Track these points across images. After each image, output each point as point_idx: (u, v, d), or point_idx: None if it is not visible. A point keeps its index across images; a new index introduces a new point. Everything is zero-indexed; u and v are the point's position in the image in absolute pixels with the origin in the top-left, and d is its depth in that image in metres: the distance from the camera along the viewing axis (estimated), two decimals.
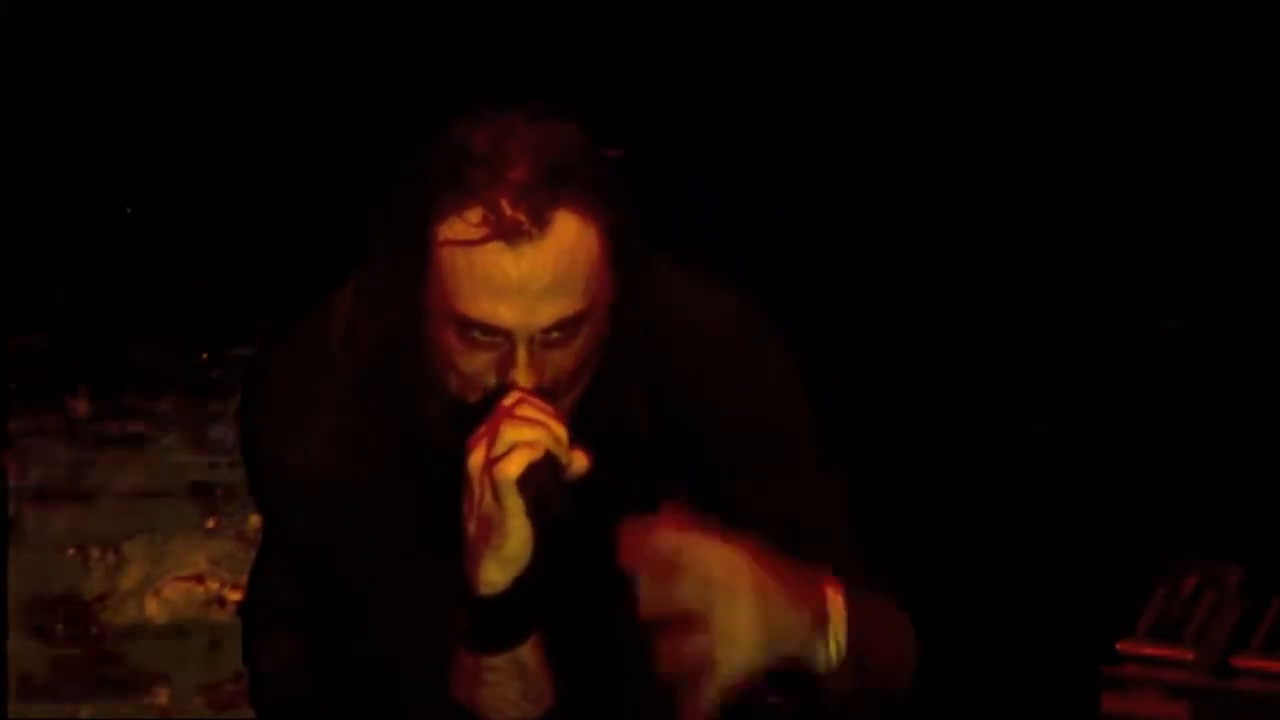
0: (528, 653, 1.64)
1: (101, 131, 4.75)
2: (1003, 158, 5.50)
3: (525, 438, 1.58)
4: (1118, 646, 2.94)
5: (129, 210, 4.76)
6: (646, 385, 1.73)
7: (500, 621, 1.63)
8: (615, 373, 1.69)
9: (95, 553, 3.07)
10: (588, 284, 1.61)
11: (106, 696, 2.52)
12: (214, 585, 3.15)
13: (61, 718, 2.95)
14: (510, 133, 1.61)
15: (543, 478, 1.59)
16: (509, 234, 1.57)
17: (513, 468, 1.58)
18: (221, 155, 4.41)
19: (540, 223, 1.57)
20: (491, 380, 1.62)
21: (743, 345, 1.76)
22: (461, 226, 1.58)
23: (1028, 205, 5.35)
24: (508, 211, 1.57)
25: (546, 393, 1.62)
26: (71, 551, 3.19)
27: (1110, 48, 5.26)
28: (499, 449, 1.58)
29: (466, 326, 1.61)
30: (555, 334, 1.61)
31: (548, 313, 1.60)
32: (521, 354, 1.61)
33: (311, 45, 4.92)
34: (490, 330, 1.60)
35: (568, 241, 1.59)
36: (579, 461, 1.60)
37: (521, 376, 1.61)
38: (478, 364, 1.62)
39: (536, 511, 1.59)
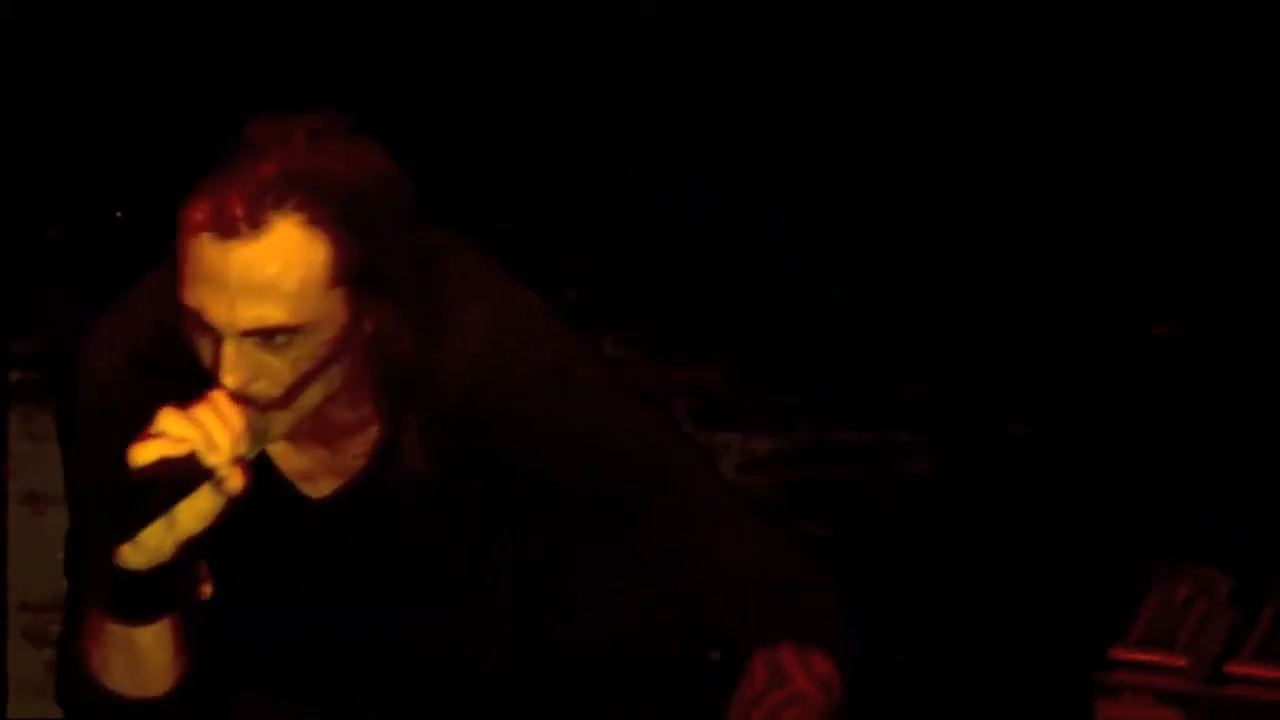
0: (148, 635, 1.64)
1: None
2: (997, 157, 5.55)
3: (175, 432, 1.58)
4: (1109, 653, 2.96)
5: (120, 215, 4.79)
6: (433, 423, 1.69)
7: (128, 596, 1.63)
8: (388, 402, 1.68)
9: None
10: (302, 299, 1.60)
11: None
12: None
13: None
14: (285, 135, 1.61)
15: (174, 477, 1.58)
16: (222, 227, 1.57)
17: (141, 456, 1.58)
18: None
19: (255, 224, 1.57)
20: (212, 365, 1.63)
21: (561, 400, 1.73)
22: (191, 212, 1.59)
23: (1026, 205, 5.38)
24: (230, 207, 1.57)
25: (256, 397, 1.62)
26: None
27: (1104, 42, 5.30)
28: (150, 432, 1.59)
29: (189, 314, 1.61)
30: (257, 339, 1.60)
31: (248, 315, 1.59)
32: (227, 351, 1.60)
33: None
34: (203, 322, 1.61)
35: (281, 250, 1.58)
36: (235, 480, 1.60)
37: (225, 374, 1.61)
38: (205, 353, 1.63)
39: (155, 507, 1.58)
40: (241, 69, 6.52)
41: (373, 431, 1.70)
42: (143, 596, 1.62)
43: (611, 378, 1.76)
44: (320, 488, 1.72)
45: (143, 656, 1.65)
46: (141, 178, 5.64)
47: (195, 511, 1.60)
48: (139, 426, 1.61)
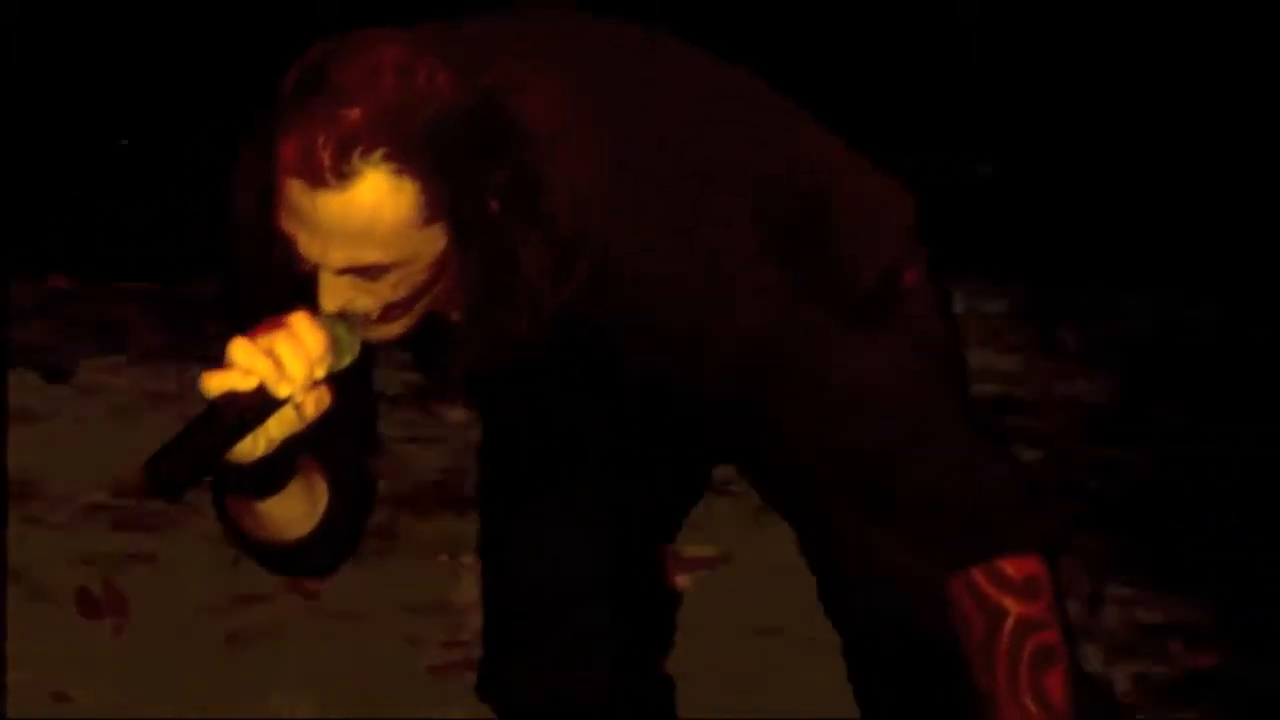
0: (270, 501, 1.71)
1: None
2: None
3: (244, 363, 1.60)
4: None
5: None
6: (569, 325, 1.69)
7: (235, 481, 1.70)
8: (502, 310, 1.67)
9: (468, 560, 3.04)
10: (395, 240, 1.59)
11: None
12: None
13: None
14: (375, 72, 1.58)
15: (240, 409, 1.61)
16: (309, 175, 1.57)
17: (211, 386, 1.60)
18: None
19: (342, 175, 1.57)
20: (311, 289, 1.64)
21: (710, 296, 1.66)
22: (284, 149, 1.58)
23: None
24: (317, 156, 1.56)
25: (354, 315, 1.64)
26: (444, 558, 3.26)
27: None
28: (226, 361, 1.60)
29: (290, 235, 1.62)
30: (353, 274, 1.61)
31: (340, 256, 1.60)
32: (324, 279, 1.62)
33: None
34: (298, 242, 1.62)
35: (371, 199, 1.58)
36: (311, 405, 1.62)
37: (322, 298, 1.63)
38: (305, 257, 1.63)
39: (231, 433, 1.61)
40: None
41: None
42: (248, 481, 1.68)
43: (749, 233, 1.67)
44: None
45: (271, 516, 1.73)
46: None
47: (283, 422, 1.62)
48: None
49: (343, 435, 1.72)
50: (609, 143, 1.65)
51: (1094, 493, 3.49)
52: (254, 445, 1.62)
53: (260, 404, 1.61)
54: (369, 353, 1.67)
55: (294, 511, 1.73)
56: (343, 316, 1.63)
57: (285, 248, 1.61)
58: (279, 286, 1.66)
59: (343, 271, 1.61)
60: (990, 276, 4.45)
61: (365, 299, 1.62)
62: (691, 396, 1.70)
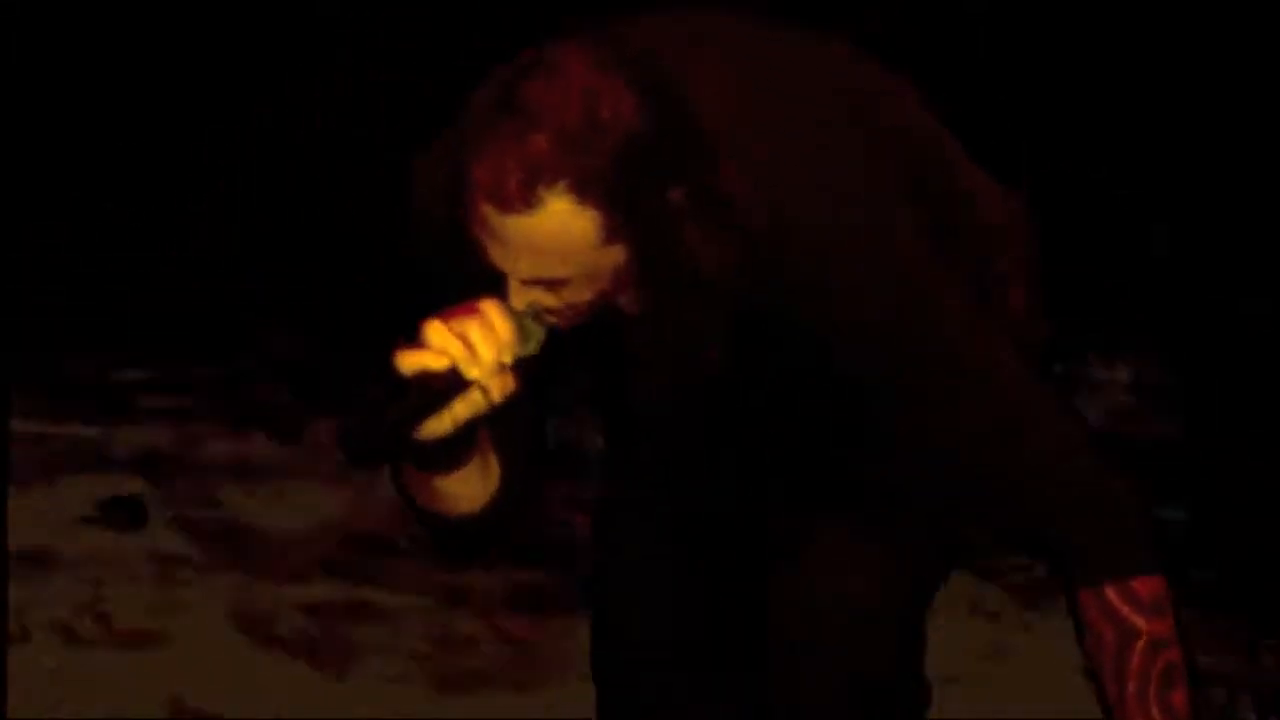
0: (449, 477, 1.79)
1: None
2: None
3: (437, 344, 1.69)
4: None
5: None
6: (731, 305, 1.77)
7: (419, 457, 1.77)
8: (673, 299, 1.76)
9: None
10: (578, 256, 1.67)
11: None
12: None
13: None
14: (560, 98, 1.64)
15: (432, 388, 1.69)
16: (498, 200, 1.64)
17: (404, 364, 1.69)
18: None
19: (529, 202, 1.64)
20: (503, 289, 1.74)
21: (861, 256, 1.73)
22: (475, 170, 1.65)
23: None
24: (505, 183, 1.63)
25: (540, 312, 1.72)
26: None
27: None
28: (421, 341, 1.70)
29: (481, 244, 1.71)
30: (538, 285, 1.70)
31: (528, 269, 1.69)
32: (512, 284, 1.71)
33: None
34: (489, 253, 1.71)
35: (555, 222, 1.65)
36: (499, 386, 1.70)
37: (511, 299, 1.72)
38: (492, 260, 1.71)
39: (419, 410, 1.69)
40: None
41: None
42: (432, 457, 1.75)
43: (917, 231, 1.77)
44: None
45: (447, 491, 1.81)
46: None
47: (469, 403, 1.70)
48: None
49: (521, 422, 1.81)
50: (777, 130, 1.74)
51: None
52: (440, 423, 1.70)
53: (450, 384, 1.69)
54: (553, 346, 1.75)
55: (468, 489, 1.81)
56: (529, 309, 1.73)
57: (474, 249, 1.71)
58: (467, 275, 1.73)
59: (528, 282, 1.70)
60: None
61: (549, 299, 1.72)
62: (844, 377, 1.78)
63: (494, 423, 1.75)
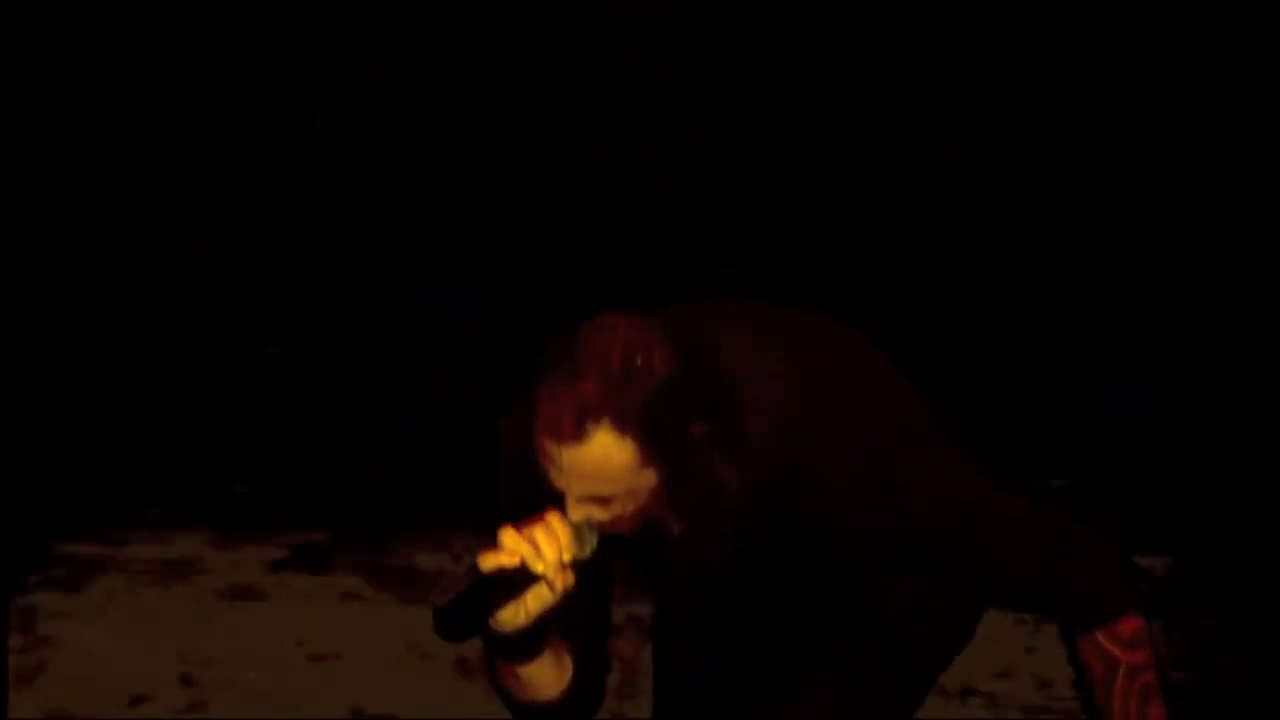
0: (531, 666, 2.25)
1: None
2: None
3: (509, 545, 2.17)
4: None
5: None
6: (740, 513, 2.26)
7: (502, 648, 2.25)
8: (694, 510, 2.27)
9: None
10: (620, 478, 2.17)
11: None
12: None
13: None
14: (605, 362, 2.14)
15: (506, 581, 2.17)
16: (555, 435, 2.14)
17: (484, 562, 2.17)
18: None
19: (579, 436, 2.13)
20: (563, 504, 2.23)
21: (862, 484, 2.23)
22: (540, 413, 2.16)
23: None
24: (561, 421, 2.13)
25: (593, 524, 2.20)
26: None
27: None
28: (498, 544, 2.19)
29: (544, 469, 2.20)
30: (592, 502, 2.19)
31: (581, 489, 2.18)
32: (569, 500, 2.20)
33: None
34: (551, 476, 2.19)
35: (600, 452, 2.15)
36: (561, 581, 2.18)
37: (570, 514, 2.20)
38: (554, 482, 2.20)
39: (496, 600, 2.17)
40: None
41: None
42: (512, 648, 2.22)
43: (919, 435, 2.29)
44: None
45: (529, 679, 2.26)
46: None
47: (538, 597, 2.17)
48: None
49: (584, 616, 2.28)
50: (788, 380, 2.23)
51: None
52: (516, 614, 2.17)
53: (521, 577, 2.17)
54: (606, 549, 2.24)
55: (547, 676, 2.26)
56: (588, 523, 2.22)
57: (543, 474, 2.19)
58: (538, 495, 2.22)
59: (582, 499, 2.19)
60: None
61: (600, 513, 2.20)
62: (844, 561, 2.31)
63: (562, 615, 2.21)
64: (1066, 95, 5.61)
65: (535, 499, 2.24)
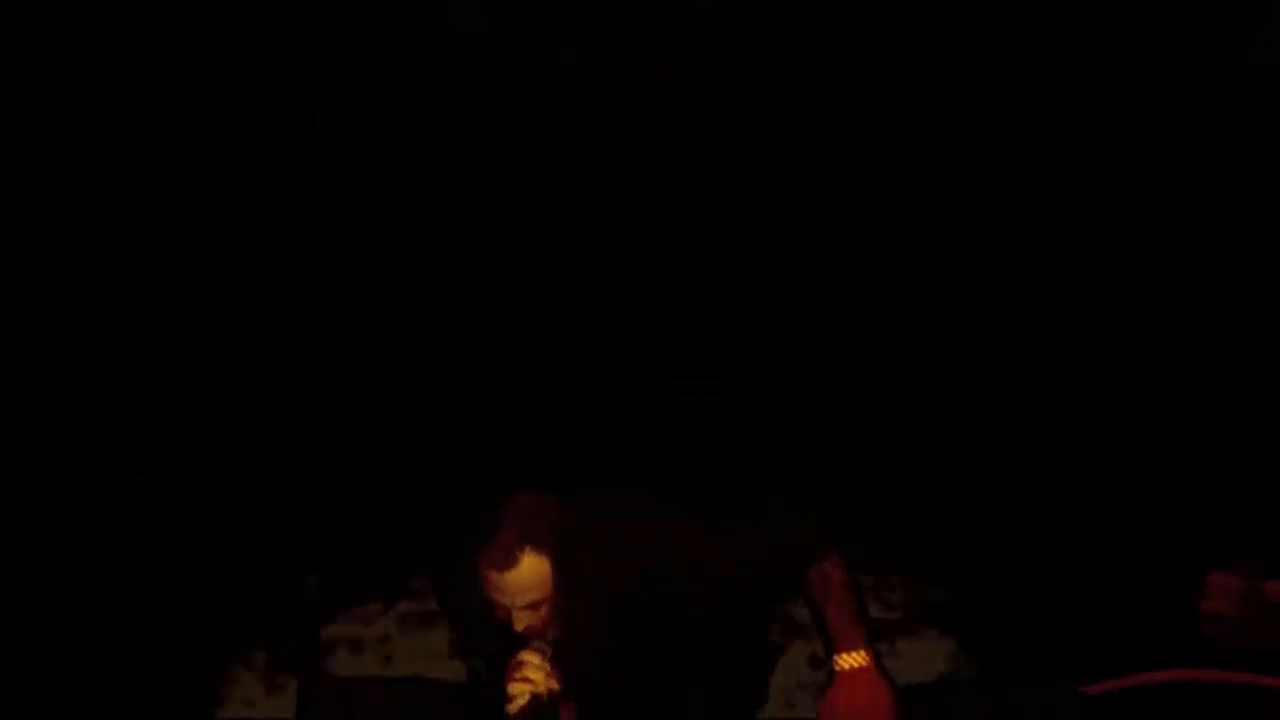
0: None
1: None
2: None
3: (519, 690, 3.43)
4: None
5: None
6: (608, 613, 3.52)
7: None
8: (584, 613, 3.53)
9: None
10: (543, 584, 3.47)
11: None
12: None
13: None
14: (513, 525, 3.52)
15: (531, 707, 3.43)
16: (497, 566, 3.48)
17: (513, 708, 3.43)
18: None
19: (511, 562, 3.48)
20: (508, 621, 3.50)
21: (668, 566, 3.55)
22: (481, 560, 3.49)
23: None
24: (495, 556, 3.47)
25: (534, 634, 3.49)
26: None
27: None
28: (509, 695, 3.43)
29: (492, 598, 3.50)
30: (528, 609, 3.48)
31: (522, 599, 3.48)
32: (515, 615, 3.50)
33: None
34: (498, 602, 3.49)
35: (527, 569, 3.47)
36: (554, 687, 3.42)
37: (516, 624, 3.49)
38: (501, 614, 3.50)
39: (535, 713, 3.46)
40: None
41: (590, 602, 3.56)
42: None
43: (686, 523, 3.62)
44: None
45: None
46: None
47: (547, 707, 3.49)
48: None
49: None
50: (623, 534, 3.61)
51: None
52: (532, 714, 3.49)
53: (537, 703, 3.45)
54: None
55: None
56: (529, 634, 3.46)
57: (490, 607, 3.49)
58: (487, 626, 3.53)
59: (523, 607, 3.46)
60: None
61: (533, 617, 3.46)
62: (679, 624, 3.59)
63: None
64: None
65: (482, 630, 3.60)
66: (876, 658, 3.56)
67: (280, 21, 6.55)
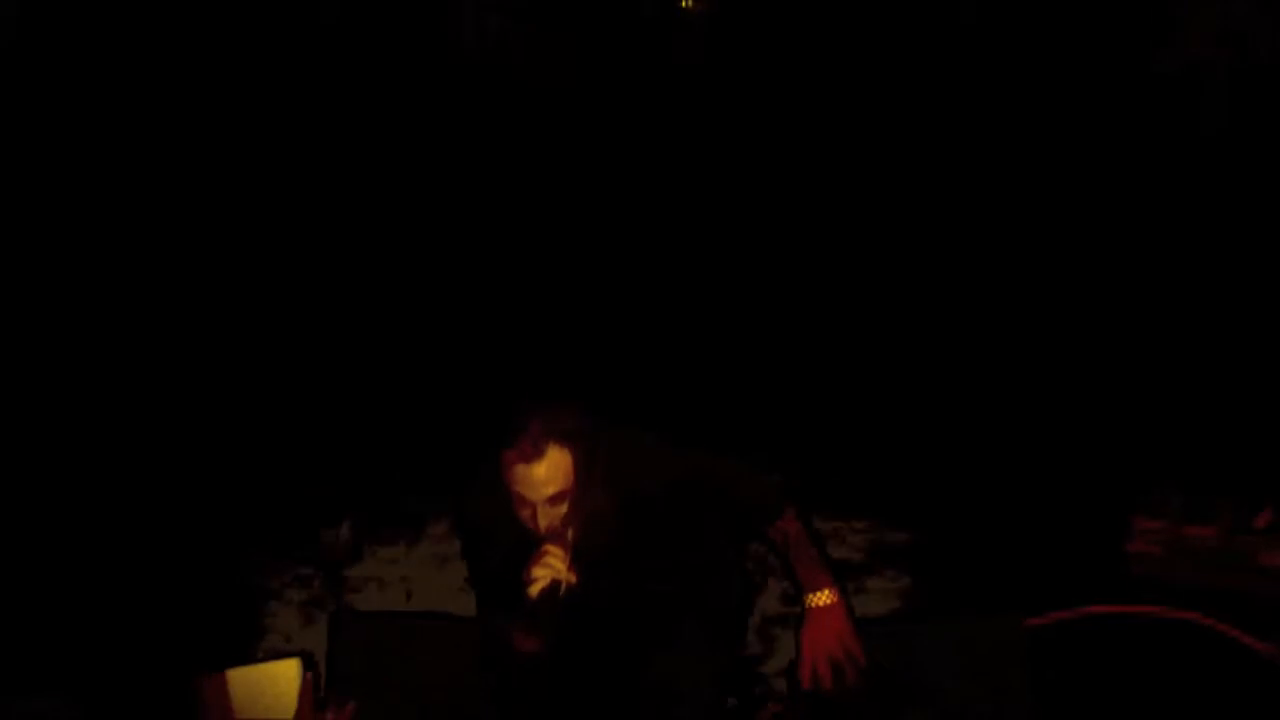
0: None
1: None
2: None
3: (541, 574, 3.55)
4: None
5: None
6: (616, 514, 3.67)
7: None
8: (596, 513, 3.66)
9: None
10: (566, 478, 3.56)
11: None
12: None
13: None
14: (540, 418, 3.58)
15: (549, 592, 3.54)
16: (525, 458, 3.56)
17: (534, 590, 3.56)
18: None
19: (539, 453, 3.55)
20: (531, 523, 3.61)
21: (667, 489, 3.72)
22: (509, 455, 3.57)
23: None
24: (524, 448, 3.55)
25: (555, 534, 3.58)
26: None
27: None
28: (532, 579, 3.56)
29: (514, 496, 3.60)
30: (550, 502, 3.58)
31: (548, 490, 3.57)
32: (540, 511, 3.59)
33: None
34: (524, 499, 3.58)
35: (552, 460, 3.56)
36: (571, 579, 3.56)
37: (540, 521, 3.59)
38: (525, 515, 3.61)
39: (546, 608, 3.55)
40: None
41: (602, 510, 3.70)
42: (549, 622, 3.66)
43: (677, 449, 3.74)
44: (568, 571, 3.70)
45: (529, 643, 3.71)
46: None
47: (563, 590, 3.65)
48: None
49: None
50: (622, 463, 3.71)
51: None
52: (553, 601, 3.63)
53: (555, 589, 3.56)
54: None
55: (535, 643, 3.70)
56: (550, 534, 3.58)
57: (513, 516, 3.61)
58: (500, 542, 3.67)
59: (547, 500, 3.56)
60: None
61: (555, 511, 3.58)
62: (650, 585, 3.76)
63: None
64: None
65: (499, 546, 3.68)
66: (843, 593, 3.76)
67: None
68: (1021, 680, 3.96)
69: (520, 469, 3.53)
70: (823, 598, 3.76)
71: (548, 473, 3.54)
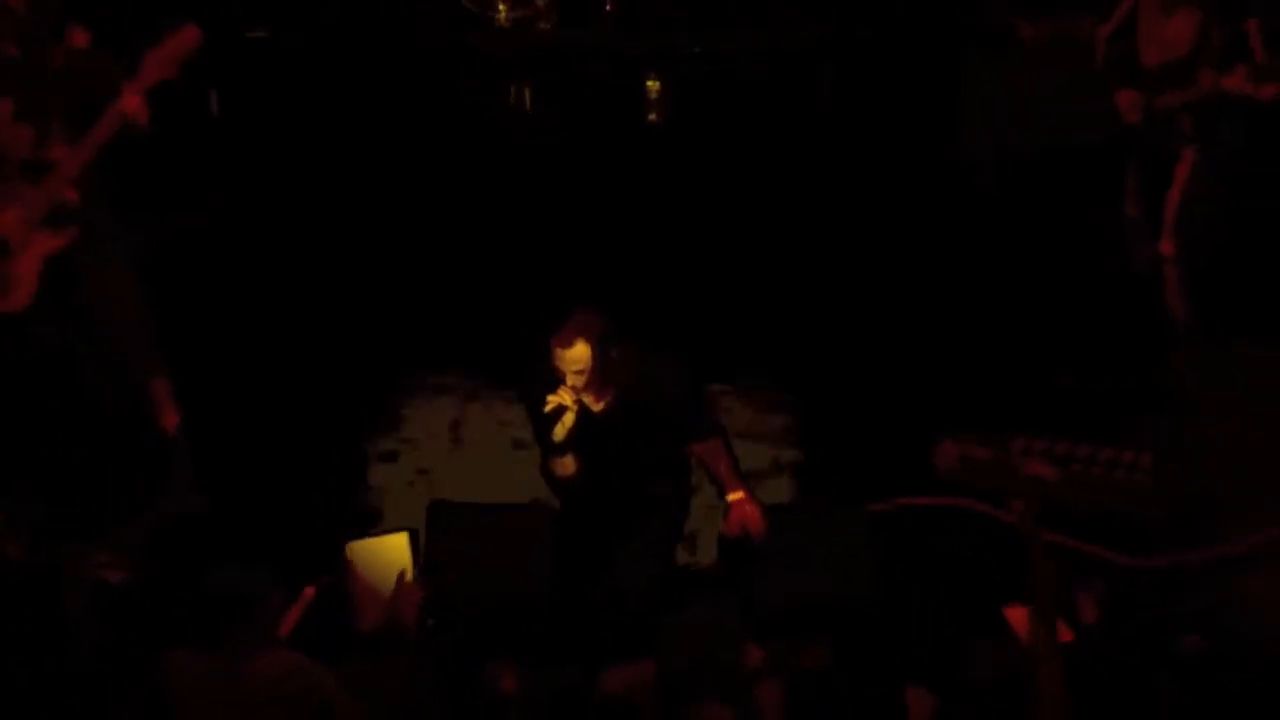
0: (569, 461, 5.39)
1: None
2: None
3: (558, 399, 5.28)
4: None
5: None
6: (614, 395, 5.37)
7: (555, 449, 5.44)
8: (603, 390, 5.35)
9: None
10: (586, 363, 5.22)
11: None
12: None
13: None
14: (576, 322, 5.30)
15: (561, 407, 5.25)
16: (562, 344, 5.24)
17: (550, 404, 5.33)
18: None
19: (569, 344, 5.22)
20: (564, 382, 5.30)
21: (671, 385, 5.41)
22: (553, 342, 5.26)
23: None
24: (563, 338, 5.22)
25: (575, 392, 5.28)
26: None
27: None
28: (548, 401, 5.32)
29: (557, 370, 5.30)
30: (576, 375, 5.28)
31: (573, 367, 5.24)
32: (568, 378, 5.29)
33: None
34: (560, 370, 5.27)
35: (580, 349, 5.22)
36: (572, 406, 5.36)
37: (567, 382, 5.28)
38: (560, 375, 5.31)
39: (567, 443, 5.37)
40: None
41: (609, 390, 5.35)
42: (563, 446, 5.41)
43: (687, 369, 5.40)
44: (596, 407, 5.39)
45: (565, 464, 5.42)
46: None
47: (564, 424, 5.40)
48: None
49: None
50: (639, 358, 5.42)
51: None
52: (563, 428, 5.40)
53: (563, 409, 5.32)
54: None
55: (568, 465, 5.37)
56: (574, 391, 5.28)
57: (546, 382, 5.30)
58: (545, 388, 5.33)
59: (572, 374, 5.28)
60: None
61: (579, 380, 5.29)
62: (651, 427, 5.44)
63: (570, 445, 5.43)
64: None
65: (545, 389, 5.16)
66: (750, 491, 5.36)
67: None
68: (864, 550, 5.29)
69: (558, 350, 5.12)
70: (738, 494, 5.39)
71: (574, 356, 5.12)
